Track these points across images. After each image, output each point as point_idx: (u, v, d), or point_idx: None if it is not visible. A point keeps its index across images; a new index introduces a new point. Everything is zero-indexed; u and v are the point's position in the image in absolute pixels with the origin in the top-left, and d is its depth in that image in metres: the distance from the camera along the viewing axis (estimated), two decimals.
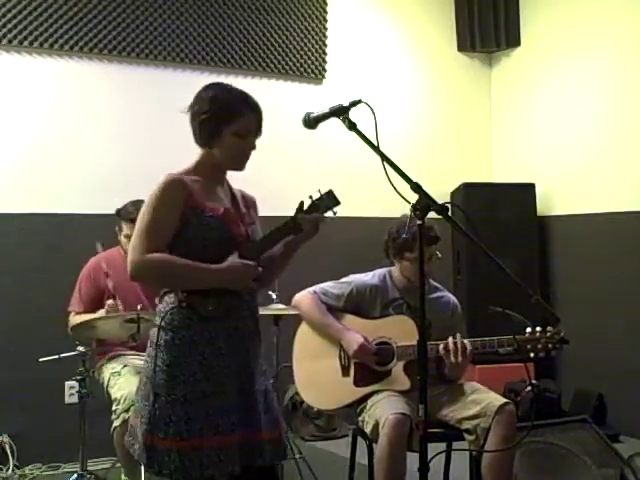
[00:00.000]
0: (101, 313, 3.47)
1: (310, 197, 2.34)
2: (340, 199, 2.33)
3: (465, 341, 2.99)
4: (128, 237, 3.60)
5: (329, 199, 2.33)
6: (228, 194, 2.44)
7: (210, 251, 2.27)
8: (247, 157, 2.38)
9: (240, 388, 2.29)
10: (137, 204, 3.60)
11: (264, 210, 2.63)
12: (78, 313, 3.59)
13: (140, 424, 2.25)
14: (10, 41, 4.17)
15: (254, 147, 2.36)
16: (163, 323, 2.26)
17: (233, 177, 2.49)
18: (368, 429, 2.95)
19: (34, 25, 4.22)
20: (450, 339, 2.98)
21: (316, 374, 3.16)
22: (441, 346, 2.97)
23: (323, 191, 2.34)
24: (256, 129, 2.35)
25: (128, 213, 3.58)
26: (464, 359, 2.97)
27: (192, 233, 2.27)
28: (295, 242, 2.41)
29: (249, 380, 2.32)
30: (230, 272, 2.27)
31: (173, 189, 2.27)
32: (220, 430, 2.22)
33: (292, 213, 2.37)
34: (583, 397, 4.82)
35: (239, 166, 2.39)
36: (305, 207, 2.34)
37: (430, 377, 2.12)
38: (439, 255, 3.12)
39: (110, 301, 3.49)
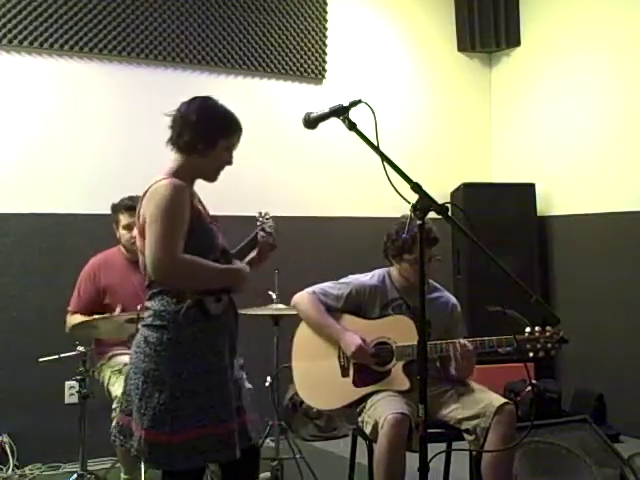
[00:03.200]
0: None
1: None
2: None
3: (465, 341, 3.00)
4: (127, 227, 3.61)
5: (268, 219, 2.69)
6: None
7: (207, 258, 2.35)
8: (222, 170, 2.48)
9: (231, 381, 2.39)
10: (133, 198, 3.62)
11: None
12: (75, 312, 3.59)
13: (139, 421, 2.28)
14: (10, 41, 4.17)
15: (232, 162, 2.47)
16: (165, 322, 2.31)
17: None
18: (368, 429, 2.95)
19: (34, 25, 4.21)
20: (456, 342, 3.00)
21: (315, 374, 3.16)
22: (451, 351, 2.99)
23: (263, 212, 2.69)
24: (236, 145, 2.47)
25: (124, 202, 3.61)
26: (470, 359, 2.99)
27: (197, 239, 2.33)
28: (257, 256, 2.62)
29: (233, 373, 2.43)
30: (242, 274, 2.45)
31: (184, 194, 2.32)
32: (223, 419, 2.31)
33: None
34: (583, 397, 4.82)
35: (215, 177, 2.48)
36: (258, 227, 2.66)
37: (430, 377, 2.11)
38: (439, 258, 3.13)
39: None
